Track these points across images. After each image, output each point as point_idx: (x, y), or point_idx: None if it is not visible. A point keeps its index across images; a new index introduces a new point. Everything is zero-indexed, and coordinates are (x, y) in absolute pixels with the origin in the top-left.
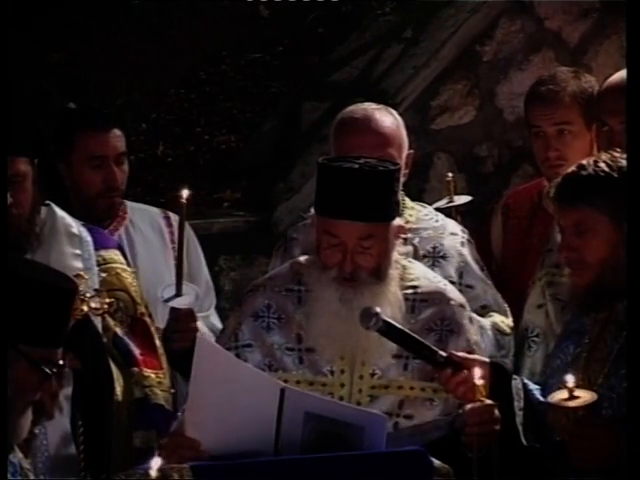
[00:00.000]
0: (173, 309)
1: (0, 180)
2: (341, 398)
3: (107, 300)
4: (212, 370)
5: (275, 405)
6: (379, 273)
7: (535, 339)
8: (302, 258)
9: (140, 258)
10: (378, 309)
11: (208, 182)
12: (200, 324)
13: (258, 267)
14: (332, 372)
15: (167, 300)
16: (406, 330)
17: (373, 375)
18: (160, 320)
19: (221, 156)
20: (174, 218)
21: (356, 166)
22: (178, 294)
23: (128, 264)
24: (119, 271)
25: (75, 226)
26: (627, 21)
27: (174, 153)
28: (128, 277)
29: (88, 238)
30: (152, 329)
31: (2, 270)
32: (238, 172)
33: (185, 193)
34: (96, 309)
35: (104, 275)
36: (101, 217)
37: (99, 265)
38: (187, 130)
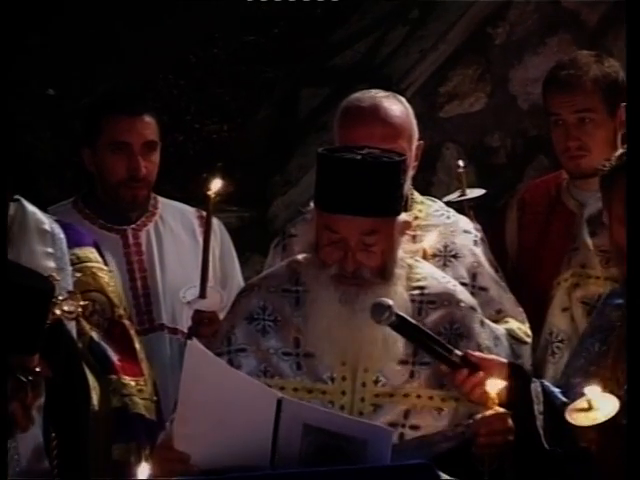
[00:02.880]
0: (197, 312)
1: (0, 180)
2: (342, 407)
3: (81, 303)
4: (203, 378)
5: (271, 417)
6: (384, 272)
7: (559, 344)
8: (300, 256)
9: (168, 256)
10: (391, 302)
11: (198, 174)
12: None
13: (252, 266)
14: (332, 379)
15: (190, 302)
16: (420, 326)
17: (377, 382)
18: (185, 323)
19: (212, 147)
20: None
21: (359, 157)
22: (202, 296)
23: (105, 263)
24: (95, 270)
25: (47, 222)
26: (627, 20)
27: (162, 143)
28: (105, 277)
29: (61, 235)
30: (131, 332)
31: (2, 269)
32: (231, 164)
33: (215, 185)
34: (69, 312)
35: (79, 275)
36: (126, 208)
37: (73, 264)
38: (176, 119)
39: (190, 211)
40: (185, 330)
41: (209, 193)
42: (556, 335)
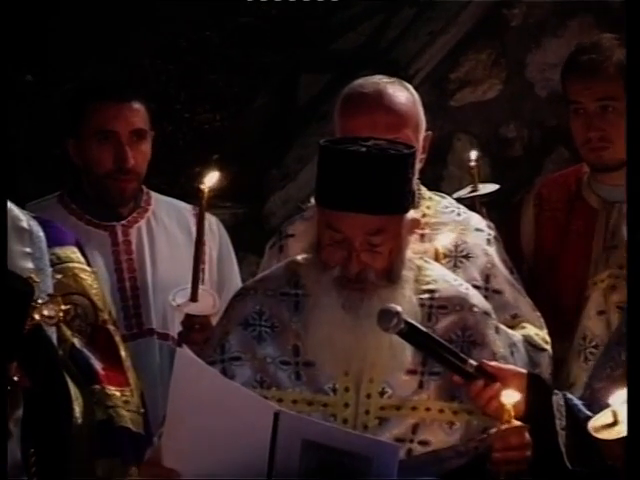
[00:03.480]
0: (187, 316)
1: (0, 180)
2: (345, 420)
3: (63, 307)
4: (193, 388)
5: (268, 431)
6: (390, 274)
7: (593, 350)
8: (300, 257)
9: (160, 256)
10: (399, 308)
11: (189, 167)
12: None
13: (247, 267)
14: (335, 390)
15: (180, 305)
16: (431, 334)
17: (383, 394)
18: (177, 328)
19: (204, 137)
20: (207, 216)
21: (363, 149)
22: (193, 299)
23: (88, 263)
24: (77, 271)
25: (24, 219)
26: (627, 21)
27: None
28: (87, 278)
29: (40, 233)
30: (116, 339)
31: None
32: (224, 156)
33: (210, 179)
34: (49, 317)
35: (59, 277)
36: (114, 202)
37: (53, 265)
38: (164, 107)
39: (186, 208)
40: (177, 336)
41: (202, 187)
42: (590, 340)
